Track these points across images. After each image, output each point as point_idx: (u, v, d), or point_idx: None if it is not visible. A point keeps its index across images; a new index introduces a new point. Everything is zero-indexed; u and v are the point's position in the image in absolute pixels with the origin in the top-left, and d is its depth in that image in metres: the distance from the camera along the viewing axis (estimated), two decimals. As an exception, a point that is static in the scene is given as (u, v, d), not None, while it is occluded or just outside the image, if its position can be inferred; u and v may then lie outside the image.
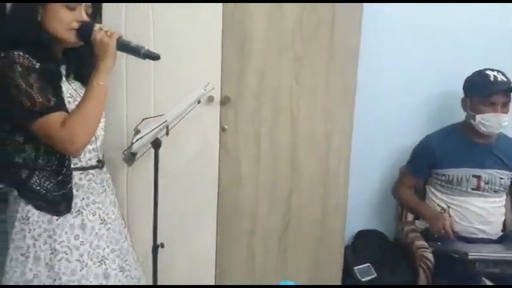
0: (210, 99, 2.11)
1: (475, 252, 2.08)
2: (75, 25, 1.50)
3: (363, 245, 2.61)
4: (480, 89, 2.30)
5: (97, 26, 1.50)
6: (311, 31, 2.18)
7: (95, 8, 1.61)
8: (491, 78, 2.28)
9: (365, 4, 2.21)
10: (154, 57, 1.54)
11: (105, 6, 1.67)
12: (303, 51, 2.19)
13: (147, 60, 2.14)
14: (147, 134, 1.75)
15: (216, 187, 2.24)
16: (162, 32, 2.11)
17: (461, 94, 2.43)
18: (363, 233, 2.70)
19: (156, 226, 1.93)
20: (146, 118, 1.91)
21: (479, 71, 2.35)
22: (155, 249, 1.95)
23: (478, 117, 2.29)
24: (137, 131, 1.87)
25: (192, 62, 2.13)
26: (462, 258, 2.08)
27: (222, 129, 2.20)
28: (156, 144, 1.83)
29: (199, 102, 1.84)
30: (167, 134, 1.80)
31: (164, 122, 1.77)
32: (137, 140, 1.75)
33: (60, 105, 1.48)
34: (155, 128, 1.75)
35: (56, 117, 1.44)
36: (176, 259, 2.21)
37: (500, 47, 2.62)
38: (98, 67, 1.49)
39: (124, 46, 1.53)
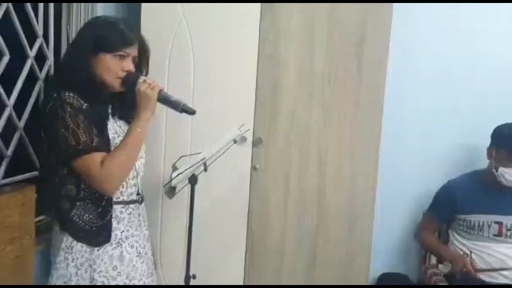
0: (243, 139, 2.22)
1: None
2: (122, 74, 1.62)
3: None
4: (509, 144, 2.28)
5: (142, 78, 1.62)
6: (338, 80, 2.31)
7: (144, 59, 1.73)
8: None
9: (390, 55, 2.32)
10: (191, 112, 1.67)
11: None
12: (331, 98, 2.31)
13: (186, 99, 2.32)
14: (186, 169, 1.87)
15: (246, 223, 2.33)
16: (201, 75, 2.27)
17: (485, 147, 2.43)
18: (386, 276, 2.73)
19: (189, 257, 2.02)
20: (184, 156, 2.04)
21: (510, 124, 2.34)
22: (187, 278, 2.02)
23: (501, 169, 2.29)
24: (175, 168, 1.99)
25: (228, 104, 2.27)
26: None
27: (254, 169, 2.30)
28: (193, 180, 1.94)
29: (235, 142, 1.96)
30: (205, 170, 1.91)
31: (202, 159, 1.89)
32: (177, 175, 1.87)
33: (102, 145, 1.58)
34: (194, 165, 1.87)
35: (96, 157, 1.54)
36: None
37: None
38: (138, 116, 1.60)
39: (165, 99, 1.65)
